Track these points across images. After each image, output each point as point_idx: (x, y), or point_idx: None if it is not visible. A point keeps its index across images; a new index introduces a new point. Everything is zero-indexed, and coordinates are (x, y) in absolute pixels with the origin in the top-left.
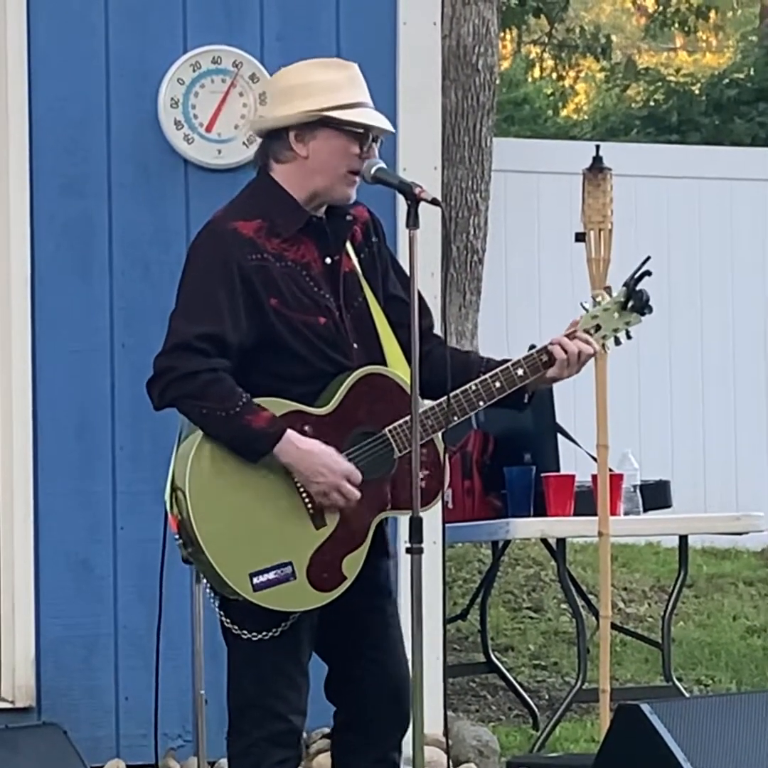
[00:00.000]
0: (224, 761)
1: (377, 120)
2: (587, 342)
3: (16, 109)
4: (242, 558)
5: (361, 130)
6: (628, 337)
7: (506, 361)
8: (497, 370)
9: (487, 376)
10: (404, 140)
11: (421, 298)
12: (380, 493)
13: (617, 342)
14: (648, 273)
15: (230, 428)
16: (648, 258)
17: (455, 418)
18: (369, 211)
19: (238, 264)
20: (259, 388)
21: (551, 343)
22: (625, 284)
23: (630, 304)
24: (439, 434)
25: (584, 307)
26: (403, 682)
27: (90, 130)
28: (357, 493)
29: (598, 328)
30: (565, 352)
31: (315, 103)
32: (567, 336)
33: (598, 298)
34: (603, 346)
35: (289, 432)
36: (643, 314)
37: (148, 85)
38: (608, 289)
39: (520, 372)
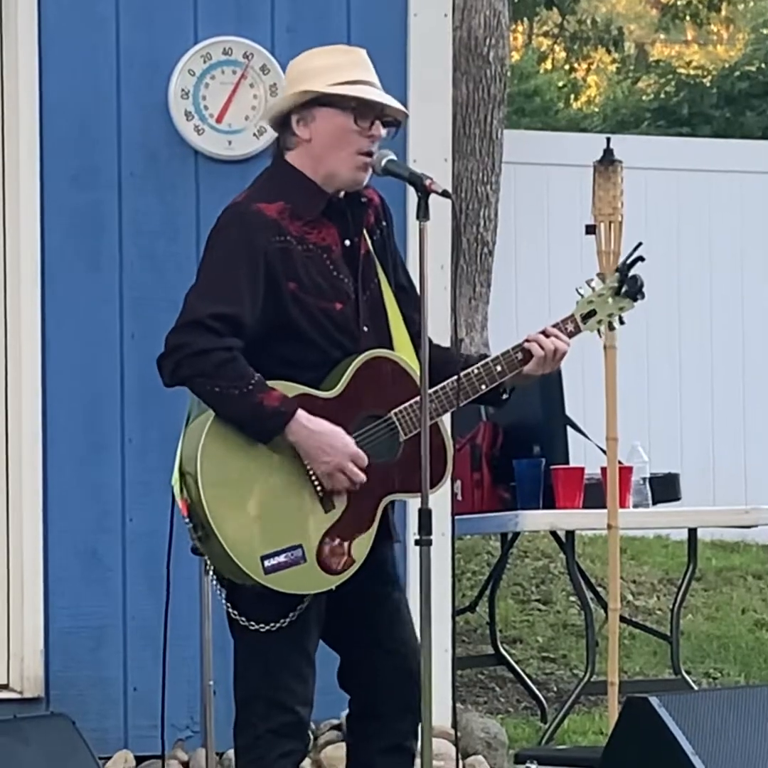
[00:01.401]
0: (232, 752)
1: (373, 94)
2: (560, 338)
3: (27, 100)
4: (253, 541)
5: (355, 105)
6: (621, 322)
7: (484, 356)
8: (498, 354)
9: (488, 359)
10: (415, 132)
11: (417, 295)
12: (386, 476)
13: (611, 327)
14: (641, 258)
15: (242, 406)
16: (640, 244)
17: (457, 401)
18: (379, 195)
19: (262, 247)
20: (267, 373)
21: (527, 341)
22: (618, 270)
23: (624, 289)
24: (444, 419)
25: (579, 293)
26: (415, 668)
27: (100, 120)
28: (362, 476)
29: (593, 313)
30: (542, 349)
31: (312, 85)
32: (542, 333)
33: (593, 284)
34: (597, 331)
35: (300, 412)
36: (635, 300)
37: (158, 76)
38: (602, 276)
39: (520, 356)
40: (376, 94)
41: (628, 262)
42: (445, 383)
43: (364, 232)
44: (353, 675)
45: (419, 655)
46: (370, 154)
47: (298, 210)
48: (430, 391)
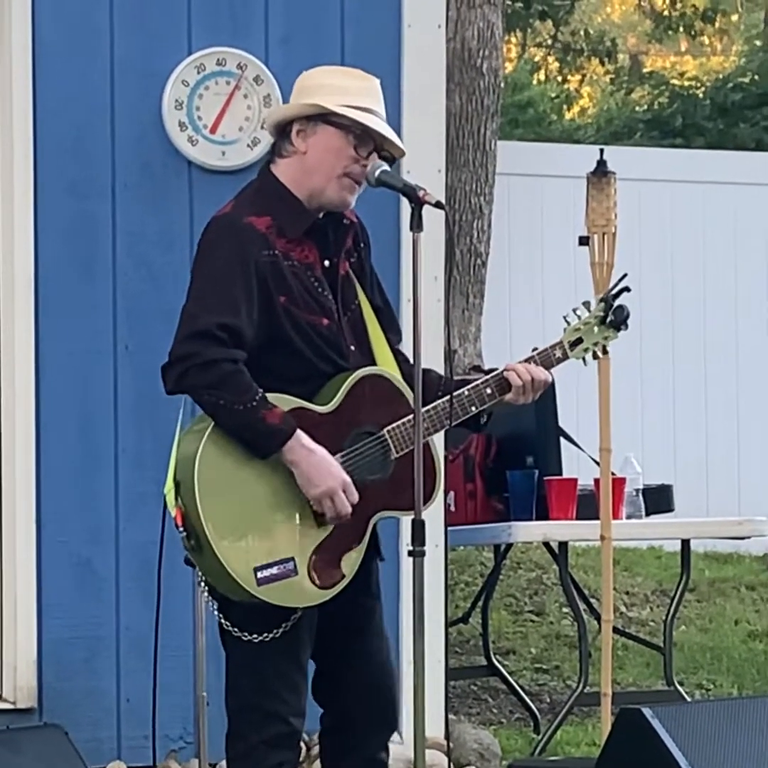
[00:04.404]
0: (225, 763)
1: (378, 125)
2: (539, 370)
3: (21, 110)
4: (247, 551)
5: (358, 131)
6: (604, 351)
7: (464, 380)
8: (488, 377)
9: (478, 382)
10: (408, 143)
11: (391, 313)
12: (378, 493)
13: (595, 356)
14: (627, 289)
15: (244, 421)
16: (625, 275)
17: (448, 422)
18: (357, 217)
19: (254, 259)
20: (258, 386)
21: (506, 370)
22: (603, 299)
23: (609, 319)
24: (434, 438)
25: (567, 321)
26: (387, 683)
27: (94, 131)
28: (348, 508)
29: (580, 341)
30: (520, 378)
31: (322, 101)
32: (523, 363)
33: (578, 311)
34: (582, 359)
35: (300, 432)
36: (619, 330)
37: (152, 87)
38: (587, 304)
39: (513, 376)
40: (382, 126)
41: (613, 292)
42: (436, 403)
43: (343, 253)
44: (325, 688)
45: (391, 668)
46: (358, 181)
47: (283, 227)
48: (422, 410)
